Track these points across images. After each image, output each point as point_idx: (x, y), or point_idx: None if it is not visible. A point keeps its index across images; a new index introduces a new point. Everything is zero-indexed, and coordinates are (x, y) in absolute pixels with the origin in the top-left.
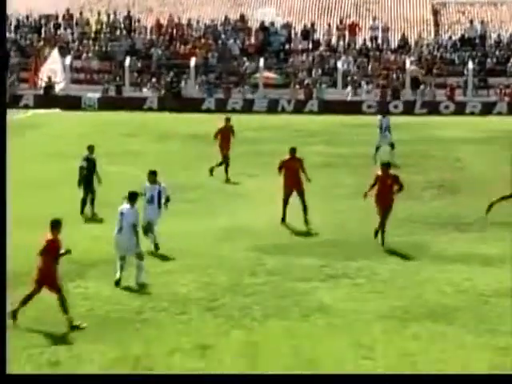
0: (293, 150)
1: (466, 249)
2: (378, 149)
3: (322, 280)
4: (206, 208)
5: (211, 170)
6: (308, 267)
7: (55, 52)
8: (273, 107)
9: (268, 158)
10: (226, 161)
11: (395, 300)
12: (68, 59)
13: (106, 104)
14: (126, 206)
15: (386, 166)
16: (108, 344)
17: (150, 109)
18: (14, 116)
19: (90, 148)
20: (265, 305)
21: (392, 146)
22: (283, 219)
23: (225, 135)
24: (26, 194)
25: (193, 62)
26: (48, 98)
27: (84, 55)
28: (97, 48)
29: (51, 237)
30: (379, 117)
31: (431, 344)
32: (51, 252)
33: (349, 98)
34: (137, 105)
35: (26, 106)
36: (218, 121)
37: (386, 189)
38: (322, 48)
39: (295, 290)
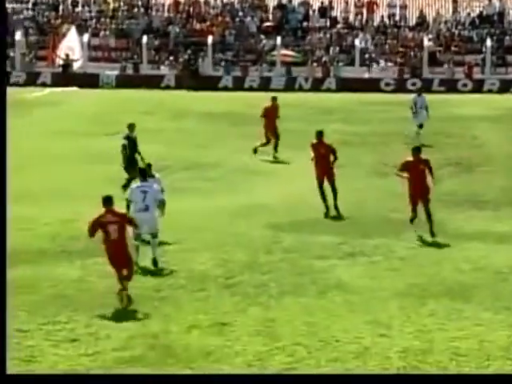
0: (320, 134)
1: (483, 226)
2: (420, 127)
3: (340, 258)
4: (223, 186)
5: (255, 150)
6: (325, 245)
7: (73, 30)
8: (290, 85)
9: (285, 136)
10: (274, 140)
11: (412, 277)
12: (86, 37)
13: (123, 82)
14: (147, 183)
15: (417, 150)
16: (126, 321)
17: (168, 87)
18: (31, 94)
19: (131, 126)
20: (282, 282)
21: (421, 126)
22: (326, 214)
23: (270, 115)
24: (39, 170)
25: (210, 39)
26: (66, 76)
27: (102, 33)
28: (114, 26)
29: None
30: (414, 95)
31: (448, 321)
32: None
33: (366, 76)
34: (154, 83)
35: (44, 84)
36: (234, 99)
37: (420, 175)
38: (339, 25)
39: (312, 268)
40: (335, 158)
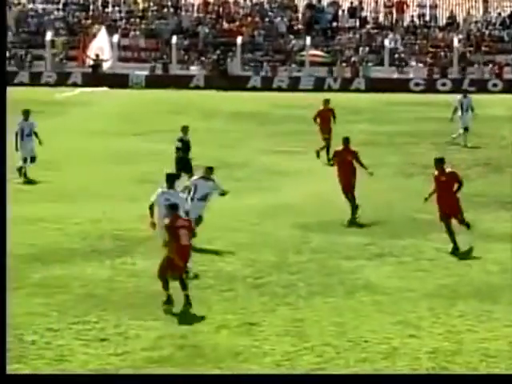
0: (346, 140)
1: (511, 228)
2: (466, 130)
3: (368, 258)
4: (251, 186)
5: (317, 153)
6: (353, 245)
7: (103, 30)
8: (319, 85)
9: (314, 136)
10: (326, 143)
11: (441, 278)
12: (115, 37)
13: (153, 82)
14: (174, 192)
15: (439, 162)
16: (155, 321)
17: (197, 87)
18: (61, 94)
19: (184, 129)
20: (310, 282)
21: (466, 128)
22: (352, 219)
23: (325, 118)
24: (69, 170)
25: (239, 39)
26: (96, 76)
27: (131, 33)
28: (144, 26)
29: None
30: (459, 97)
31: (478, 322)
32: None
33: (395, 76)
34: (183, 83)
35: (75, 84)
36: (267, 99)
37: (445, 189)
38: (369, 26)
39: (340, 268)
40: (361, 165)
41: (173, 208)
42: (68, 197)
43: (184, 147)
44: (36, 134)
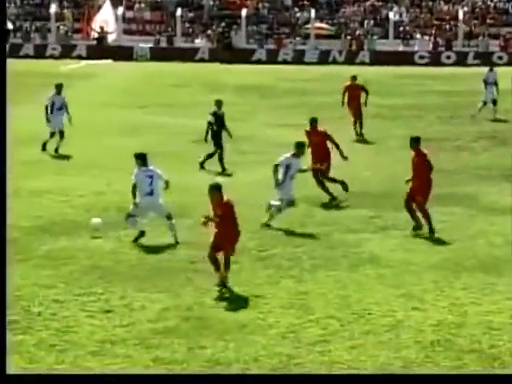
0: (313, 121)
1: None
2: (484, 104)
3: (372, 231)
4: (256, 159)
5: (357, 133)
6: (358, 218)
7: (107, 2)
8: (324, 58)
9: (317, 109)
10: (358, 120)
11: (445, 251)
12: (120, 10)
13: (157, 55)
14: (150, 167)
15: (414, 141)
16: (160, 293)
17: (202, 59)
18: (66, 66)
19: (218, 103)
20: (314, 255)
21: (494, 102)
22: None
23: (353, 94)
24: (74, 142)
25: (244, 12)
26: (100, 49)
27: (136, 6)
28: None
29: (223, 200)
30: (486, 70)
31: (482, 295)
32: (229, 214)
33: (400, 49)
34: (188, 55)
35: (79, 57)
36: (270, 72)
37: (415, 170)
38: None
39: (345, 242)
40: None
41: (216, 187)
42: (74, 169)
43: (218, 121)
44: (66, 108)
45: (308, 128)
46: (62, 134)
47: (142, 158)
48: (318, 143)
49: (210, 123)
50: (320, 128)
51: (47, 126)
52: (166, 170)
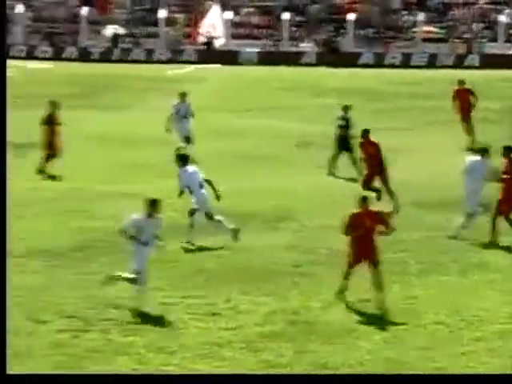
0: (366, 132)
1: None
2: None
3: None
4: None
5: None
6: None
7: (215, 7)
8: (432, 61)
9: (424, 113)
10: (466, 124)
11: None
12: (228, 14)
13: (264, 59)
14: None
15: (507, 150)
16: (266, 296)
17: (308, 63)
18: (173, 71)
19: (346, 107)
20: (422, 260)
21: None
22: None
23: (463, 99)
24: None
25: (351, 16)
26: (209, 53)
27: (244, 10)
28: (256, 3)
29: (366, 211)
30: None
31: None
32: (371, 227)
33: (510, 52)
34: (295, 59)
35: (188, 61)
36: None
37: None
38: (482, 1)
39: (454, 247)
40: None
41: (364, 199)
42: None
43: (346, 125)
44: (193, 115)
45: (361, 139)
46: (187, 139)
47: (182, 159)
48: (373, 154)
49: (339, 126)
50: (373, 139)
51: (175, 133)
52: (270, 172)
